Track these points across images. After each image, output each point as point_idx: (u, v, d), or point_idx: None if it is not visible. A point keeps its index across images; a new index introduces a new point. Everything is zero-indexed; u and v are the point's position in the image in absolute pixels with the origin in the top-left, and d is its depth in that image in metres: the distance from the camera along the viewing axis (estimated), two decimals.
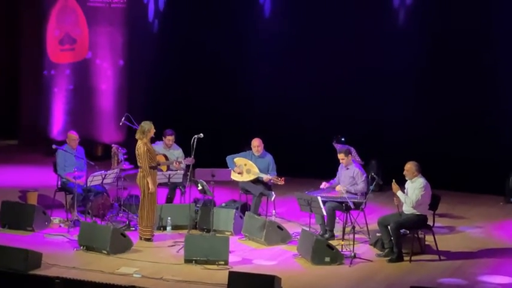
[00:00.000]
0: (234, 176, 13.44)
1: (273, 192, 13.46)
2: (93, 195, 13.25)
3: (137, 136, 12.34)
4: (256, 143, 13.52)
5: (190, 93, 18.16)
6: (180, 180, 13.58)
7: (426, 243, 12.07)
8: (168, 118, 16.44)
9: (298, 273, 11.04)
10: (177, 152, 13.96)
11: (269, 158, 13.56)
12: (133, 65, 19.03)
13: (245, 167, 13.47)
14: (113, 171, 13.25)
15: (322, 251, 11.32)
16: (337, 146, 13.80)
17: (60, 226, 13.03)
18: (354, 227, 11.66)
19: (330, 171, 13.23)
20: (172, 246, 12.11)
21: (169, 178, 13.44)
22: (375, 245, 12.18)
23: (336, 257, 11.38)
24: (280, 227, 12.50)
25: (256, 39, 17.63)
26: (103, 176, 12.94)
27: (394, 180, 11.69)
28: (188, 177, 12.69)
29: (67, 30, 19.62)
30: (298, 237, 12.11)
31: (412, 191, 11.66)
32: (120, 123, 14.44)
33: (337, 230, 12.57)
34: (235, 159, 13.57)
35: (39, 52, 19.74)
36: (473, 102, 15.97)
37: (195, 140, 12.40)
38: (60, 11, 19.67)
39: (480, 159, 15.72)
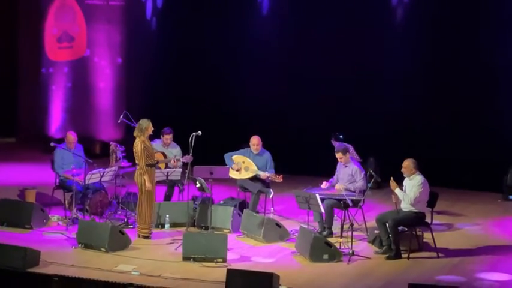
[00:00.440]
0: (232, 174, 13.44)
1: (271, 190, 13.47)
2: (92, 193, 13.25)
3: (135, 134, 12.34)
4: (255, 141, 13.52)
5: (189, 91, 18.17)
6: (179, 177, 13.58)
7: (424, 240, 12.07)
8: (166, 116, 16.42)
9: (296, 271, 11.04)
10: (175, 151, 13.96)
11: (267, 155, 13.56)
12: (132, 63, 19.05)
13: (243, 165, 13.47)
14: (111, 168, 13.25)
15: (321, 249, 11.33)
16: (336, 144, 13.80)
17: (58, 224, 13.03)
18: (352, 225, 11.66)
19: (328, 168, 13.23)
20: (170, 243, 12.11)
21: (167, 176, 13.44)
22: (373, 242, 12.19)
23: (334, 255, 11.38)
24: (278, 225, 12.51)
25: (254, 37, 17.64)
26: (101, 174, 12.94)
27: (392, 177, 11.69)
28: (186, 174, 12.69)
29: (65, 28, 19.63)
30: (296, 234, 12.09)
31: (410, 188, 11.67)
32: (118, 121, 14.45)
33: (335, 228, 12.56)
34: (233, 157, 13.57)
35: (37, 50, 19.75)
36: (472, 99, 15.98)
37: (193, 138, 12.41)
38: (58, 9, 19.68)
39: (478, 157, 15.73)
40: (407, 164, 11.73)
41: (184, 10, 18.25)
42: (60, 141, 14.59)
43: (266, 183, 13.50)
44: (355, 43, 16.72)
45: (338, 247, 11.58)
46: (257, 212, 13.21)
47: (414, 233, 11.81)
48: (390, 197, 11.96)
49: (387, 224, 11.63)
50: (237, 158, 13.54)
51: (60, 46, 19.72)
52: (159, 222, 12.92)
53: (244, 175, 13.47)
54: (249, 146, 13.60)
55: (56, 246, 11.86)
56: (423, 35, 16.28)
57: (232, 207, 12.96)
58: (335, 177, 12.89)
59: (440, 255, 11.70)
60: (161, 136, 13.95)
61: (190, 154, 12.56)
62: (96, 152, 18.41)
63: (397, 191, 11.70)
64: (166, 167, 13.71)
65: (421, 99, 16.35)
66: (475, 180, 15.79)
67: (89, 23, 19.38)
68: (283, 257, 11.66)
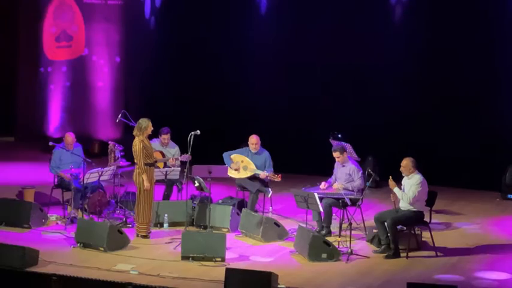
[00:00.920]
0: (231, 173, 13.44)
1: (269, 189, 13.46)
2: (90, 192, 13.24)
3: (134, 133, 12.34)
4: (254, 140, 13.51)
5: (187, 90, 18.16)
6: (177, 177, 13.59)
7: (423, 239, 12.08)
8: (164, 115, 16.44)
9: (295, 270, 11.04)
10: (173, 150, 13.96)
11: (266, 154, 13.56)
12: (130, 62, 19.04)
13: (242, 164, 13.47)
14: (109, 168, 13.25)
15: (319, 248, 11.33)
16: (334, 143, 13.80)
17: (57, 223, 13.03)
18: (350, 224, 11.66)
19: (326, 167, 13.24)
20: (169, 243, 12.11)
21: (166, 175, 13.44)
22: (371, 241, 12.20)
23: (333, 254, 11.38)
24: (277, 224, 12.51)
25: (253, 36, 17.63)
26: (100, 173, 12.94)
27: (391, 176, 11.69)
28: (185, 174, 12.69)
29: (63, 27, 19.62)
30: (295, 233, 12.09)
31: (409, 187, 11.67)
32: (117, 120, 14.44)
33: (334, 227, 12.56)
34: (232, 156, 13.57)
35: (36, 49, 19.74)
36: (471, 99, 15.97)
37: (192, 137, 12.41)
38: (57, 8, 19.67)
39: (477, 156, 15.74)
40: (406, 163, 11.73)
41: (182, 9, 18.24)
42: (59, 140, 14.58)
43: (265, 183, 13.50)
44: (355, 43, 16.70)
45: (337, 246, 11.59)
46: (256, 211, 13.20)
47: (413, 232, 11.82)
48: (389, 196, 11.97)
49: (386, 223, 11.64)
50: (236, 157, 13.54)
51: (58, 45, 19.71)
52: (157, 221, 12.91)
53: (243, 174, 13.47)
54: (247, 145, 13.60)
55: (55, 245, 11.86)
56: (422, 34, 16.27)
57: (231, 207, 12.95)
58: (333, 176, 12.89)
59: (438, 254, 11.70)
60: (159, 136, 13.94)
61: (189, 153, 12.55)
62: (94, 151, 18.42)
63: (396, 190, 11.70)
64: (165, 166, 13.71)
65: (419, 98, 16.34)
66: (473, 179, 15.80)
67: (88, 22, 19.38)
68: (282, 256, 11.66)
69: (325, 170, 13.28)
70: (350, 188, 12.52)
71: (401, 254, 11.58)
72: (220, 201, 13.80)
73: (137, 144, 12.20)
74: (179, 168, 13.55)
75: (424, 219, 11.84)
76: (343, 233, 12.05)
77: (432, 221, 12.32)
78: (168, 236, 12.47)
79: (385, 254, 11.61)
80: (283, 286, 10.20)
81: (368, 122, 16.50)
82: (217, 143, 15.46)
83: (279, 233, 12.44)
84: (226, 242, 11.31)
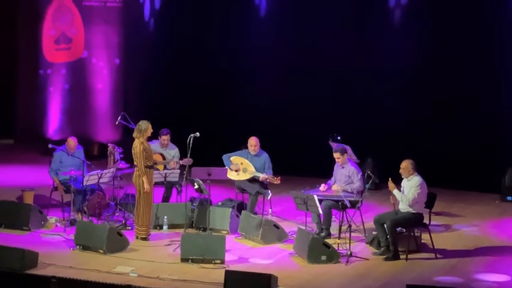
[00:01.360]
0: (231, 175, 13.44)
1: (269, 191, 13.47)
2: (89, 194, 13.24)
3: (134, 135, 12.34)
4: (253, 142, 13.52)
5: (187, 92, 18.15)
6: (177, 179, 13.59)
7: (422, 241, 12.08)
8: (164, 117, 16.43)
9: (294, 272, 11.04)
10: (173, 152, 13.96)
11: (265, 156, 13.56)
12: (129, 64, 19.04)
13: (241, 166, 13.47)
14: (109, 170, 13.24)
15: (319, 250, 11.33)
16: (333, 145, 13.80)
17: (56, 225, 13.02)
18: (350, 226, 11.66)
19: (326, 170, 13.25)
20: (168, 245, 12.11)
21: (165, 177, 13.45)
22: (371, 243, 12.19)
23: (332, 256, 11.38)
24: (276, 226, 12.51)
25: (253, 38, 17.63)
26: (99, 176, 12.93)
27: (390, 178, 11.69)
28: (184, 176, 12.69)
29: (63, 29, 19.63)
30: (294, 235, 12.10)
31: (409, 189, 11.67)
32: (116, 123, 14.44)
33: (334, 229, 12.56)
34: (231, 158, 13.57)
35: (35, 51, 19.75)
36: (470, 100, 15.97)
37: (191, 139, 12.40)
38: (56, 11, 19.68)
39: (476, 158, 15.74)
40: (406, 165, 11.74)
41: (182, 11, 18.24)
42: (59, 142, 14.58)
43: (264, 185, 13.50)
44: (354, 44, 16.71)
45: (336, 248, 11.58)
46: (255, 213, 13.21)
47: (412, 234, 11.82)
48: (388, 198, 11.98)
49: (385, 225, 11.64)
50: (235, 159, 13.54)
51: (58, 47, 19.72)
52: (157, 223, 12.91)
53: (242, 176, 13.47)
54: (247, 147, 13.60)
55: (54, 247, 11.86)
56: (421, 35, 16.27)
57: (230, 209, 12.96)
58: (332, 178, 12.89)
59: (438, 256, 11.70)
60: (158, 137, 13.95)
61: (189, 155, 12.54)
62: (94, 154, 18.40)
63: (395, 192, 11.70)
64: (165, 168, 13.71)
65: (419, 100, 16.34)
66: (473, 182, 15.79)
67: (87, 24, 19.39)
68: (281, 258, 11.66)
69: (325, 172, 13.28)
70: (349, 190, 12.53)
71: (401, 256, 11.58)
72: (219, 203, 13.80)
73: (137, 146, 12.20)
74: (179, 171, 13.56)
75: (424, 221, 11.84)
76: (342, 235, 12.06)
77: (431, 223, 12.32)
78: (168, 238, 12.46)
79: (385, 256, 11.61)
80: None
81: (367, 124, 16.49)
82: (216, 145, 15.46)
83: (278, 235, 12.44)
84: (225, 244, 11.30)
